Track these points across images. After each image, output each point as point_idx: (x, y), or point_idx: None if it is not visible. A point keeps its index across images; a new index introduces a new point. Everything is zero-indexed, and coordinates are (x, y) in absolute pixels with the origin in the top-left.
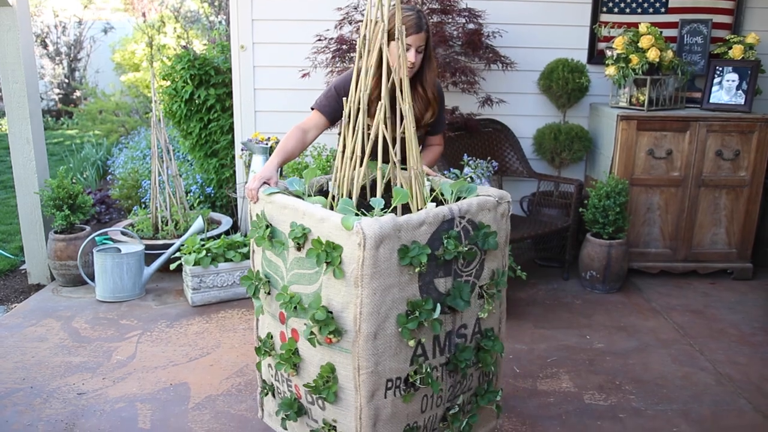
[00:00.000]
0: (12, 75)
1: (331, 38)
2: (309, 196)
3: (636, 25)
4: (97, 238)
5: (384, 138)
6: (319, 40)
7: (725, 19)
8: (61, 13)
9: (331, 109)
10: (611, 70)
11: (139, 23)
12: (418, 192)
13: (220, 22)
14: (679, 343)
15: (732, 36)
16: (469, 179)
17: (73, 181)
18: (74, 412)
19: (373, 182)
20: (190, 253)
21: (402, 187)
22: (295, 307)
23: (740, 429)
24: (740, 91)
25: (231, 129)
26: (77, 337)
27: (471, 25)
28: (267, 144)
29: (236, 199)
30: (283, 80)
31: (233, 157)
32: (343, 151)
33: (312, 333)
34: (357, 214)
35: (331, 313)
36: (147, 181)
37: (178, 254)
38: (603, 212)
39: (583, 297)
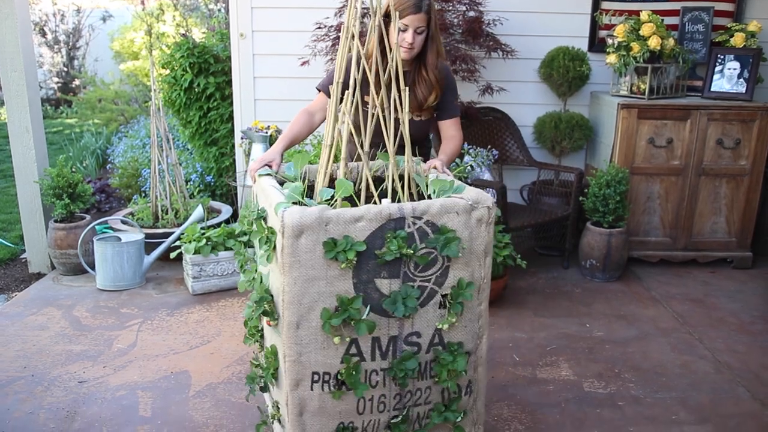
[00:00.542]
0: (10, 63)
1: (331, 26)
2: (297, 181)
3: (637, 12)
4: (97, 227)
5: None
6: (319, 27)
7: (727, 6)
8: (60, 1)
9: (329, 83)
10: (612, 58)
11: (137, 11)
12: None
13: (219, 10)
14: (679, 331)
15: (734, 24)
16: (469, 168)
17: (73, 170)
18: (75, 400)
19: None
20: (190, 242)
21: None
22: (254, 286)
23: (738, 417)
24: (741, 80)
25: (231, 117)
26: (78, 326)
27: (471, 13)
28: (267, 132)
29: (236, 187)
30: (282, 68)
31: (233, 146)
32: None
33: (251, 312)
34: (298, 203)
35: (272, 296)
36: (147, 169)
37: (178, 243)
38: (603, 201)
39: (583, 285)
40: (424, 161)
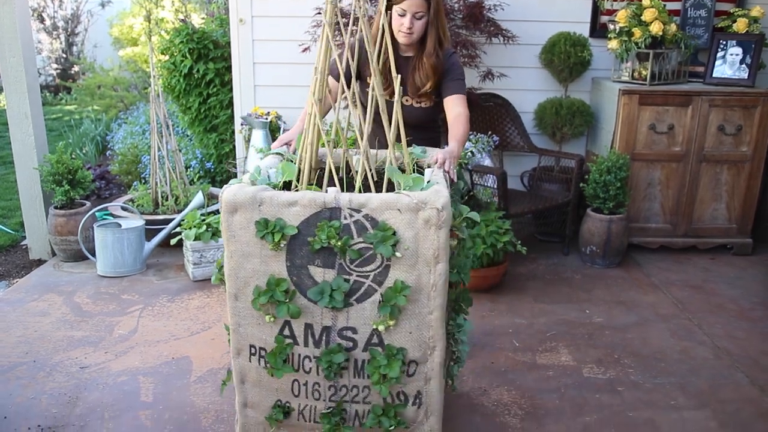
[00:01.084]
0: (9, 49)
1: None
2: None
3: None
4: (97, 214)
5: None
6: (319, 13)
7: None
8: None
9: (334, 67)
10: (614, 44)
11: None
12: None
13: None
14: (678, 317)
15: (736, 9)
16: (469, 154)
17: (73, 156)
18: (77, 386)
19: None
20: (190, 228)
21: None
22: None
23: (737, 402)
24: (744, 65)
25: (230, 103)
26: (79, 312)
27: None
28: (267, 119)
29: (236, 173)
30: (282, 54)
31: (233, 132)
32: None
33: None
34: (254, 182)
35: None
36: (146, 156)
37: (178, 229)
38: (604, 187)
39: (583, 272)
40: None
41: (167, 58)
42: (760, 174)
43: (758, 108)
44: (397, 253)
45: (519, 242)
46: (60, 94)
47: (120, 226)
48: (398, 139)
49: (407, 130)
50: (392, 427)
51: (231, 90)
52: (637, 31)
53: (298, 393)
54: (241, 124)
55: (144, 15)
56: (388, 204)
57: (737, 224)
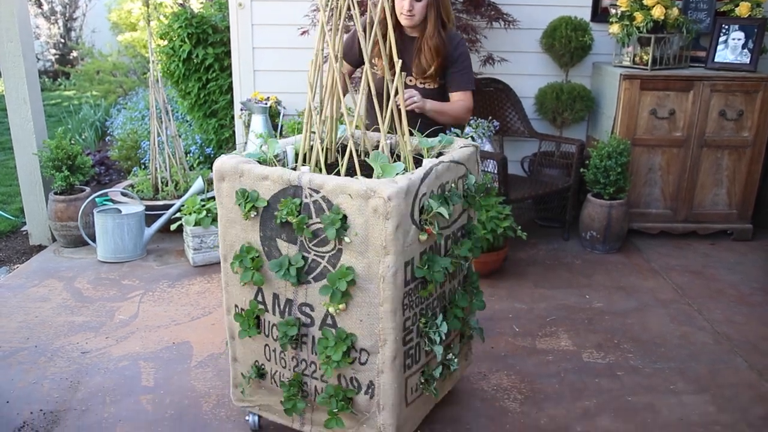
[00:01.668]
0: (6, 34)
1: None
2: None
3: None
4: (97, 199)
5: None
6: None
7: None
8: None
9: (346, 51)
10: (615, 28)
11: None
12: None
13: None
14: (678, 302)
15: None
16: (470, 139)
17: (72, 142)
18: (79, 370)
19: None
20: (190, 214)
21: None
22: None
23: (736, 386)
24: (746, 50)
25: (230, 89)
26: (80, 297)
27: None
28: (266, 104)
29: None
30: (282, 39)
31: (232, 117)
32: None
33: None
34: (261, 160)
35: None
36: (146, 141)
37: (178, 215)
38: (604, 172)
39: (583, 257)
40: (433, 134)
41: (166, 43)
42: (761, 159)
43: (760, 93)
44: (346, 238)
45: (519, 227)
46: (59, 79)
47: (120, 211)
48: (410, 124)
49: (413, 111)
50: (337, 410)
51: (230, 75)
52: (638, 15)
53: (269, 358)
54: (241, 110)
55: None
56: (341, 188)
57: (737, 210)
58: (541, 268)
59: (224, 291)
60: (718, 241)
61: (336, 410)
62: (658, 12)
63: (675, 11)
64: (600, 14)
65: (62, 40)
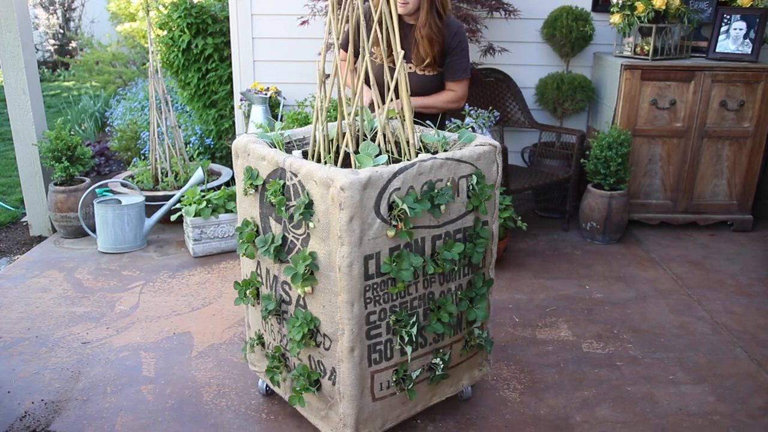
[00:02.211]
0: (5, 24)
1: None
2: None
3: None
4: (97, 190)
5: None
6: None
7: None
8: None
9: (345, 41)
10: (616, 18)
11: None
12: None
13: None
14: (677, 293)
15: None
16: (470, 129)
17: (72, 132)
18: (80, 361)
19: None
20: (190, 205)
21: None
22: None
23: (735, 376)
24: (747, 40)
25: (229, 79)
26: (80, 288)
27: None
28: (266, 94)
29: None
30: (281, 29)
31: (232, 108)
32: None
33: None
34: (276, 146)
35: None
36: (146, 132)
37: (178, 205)
38: (604, 163)
39: (583, 248)
40: (431, 124)
41: (165, 33)
42: (762, 150)
43: (761, 83)
44: (310, 223)
45: (519, 218)
46: (58, 70)
47: (120, 202)
48: (417, 115)
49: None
50: (299, 389)
51: (230, 65)
52: (639, 5)
53: (264, 329)
54: (241, 100)
55: None
56: (310, 174)
57: (738, 201)
58: (541, 258)
59: (241, 259)
60: (718, 231)
61: (298, 388)
62: (659, 2)
63: (676, 1)
64: (601, 4)
65: (61, 31)
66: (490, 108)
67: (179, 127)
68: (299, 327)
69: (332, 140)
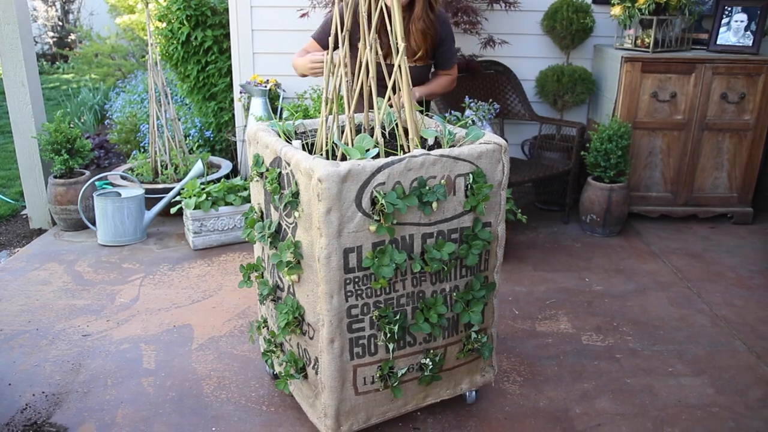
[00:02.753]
0: (3, 16)
1: None
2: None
3: None
4: (97, 183)
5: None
6: None
7: None
8: None
9: (325, 37)
10: (617, 10)
11: None
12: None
13: None
14: (677, 285)
15: None
16: (470, 122)
17: (71, 125)
18: (80, 353)
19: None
20: (190, 197)
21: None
22: None
23: (734, 369)
24: (748, 32)
25: (229, 71)
26: (80, 281)
27: None
28: (266, 86)
29: (236, 142)
30: (281, 21)
31: (232, 100)
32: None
33: None
34: (283, 137)
35: None
36: (145, 125)
37: (178, 198)
38: (605, 156)
39: (583, 240)
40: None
41: (165, 25)
42: (762, 143)
43: (762, 76)
44: (296, 213)
45: (519, 211)
46: (57, 62)
47: (120, 195)
48: (420, 103)
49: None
50: (283, 373)
51: (229, 57)
52: None
53: (268, 313)
54: (240, 92)
55: None
56: (297, 164)
57: (738, 193)
58: (540, 251)
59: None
60: (718, 224)
61: (283, 374)
62: None
63: None
64: None
65: (60, 23)
66: (490, 100)
67: (179, 119)
68: (285, 315)
69: (343, 132)
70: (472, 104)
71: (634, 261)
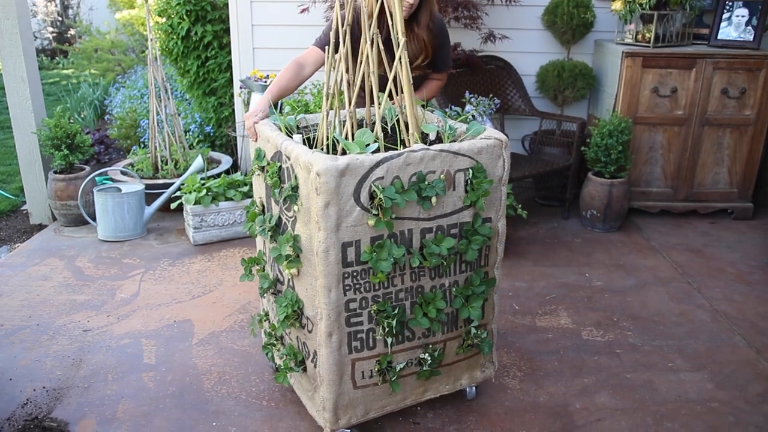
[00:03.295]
0: (2, 11)
1: None
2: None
3: None
4: (97, 178)
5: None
6: None
7: None
8: None
9: (327, 44)
10: (617, 5)
11: None
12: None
13: None
14: (677, 281)
15: None
16: (470, 117)
17: (71, 120)
18: (81, 348)
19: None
20: (190, 193)
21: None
22: None
23: (734, 364)
24: (749, 27)
25: (229, 66)
26: (81, 276)
27: None
28: (266, 81)
29: (236, 138)
30: (281, 16)
31: (232, 95)
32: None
33: None
34: (288, 131)
35: None
36: (145, 120)
37: (178, 193)
38: (605, 151)
39: (583, 236)
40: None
41: (164, 20)
42: (763, 138)
43: (763, 71)
44: (295, 207)
45: (519, 206)
46: (57, 58)
47: (120, 190)
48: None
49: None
50: (283, 367)
51: (229, 52)
52: None
53: (269, 306)
54: (240, 88)
55: None
56: (297, 157)
57: (738, 188)
58: (541, 246)
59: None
60: (719, 219)
61: (283, 367)
62: None
63: None
64: None
65: (59, 18)
66: (491, 95)
67: (179, 114)
68: (284, 308)
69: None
70: (472, 99)
71: (634, 256)
